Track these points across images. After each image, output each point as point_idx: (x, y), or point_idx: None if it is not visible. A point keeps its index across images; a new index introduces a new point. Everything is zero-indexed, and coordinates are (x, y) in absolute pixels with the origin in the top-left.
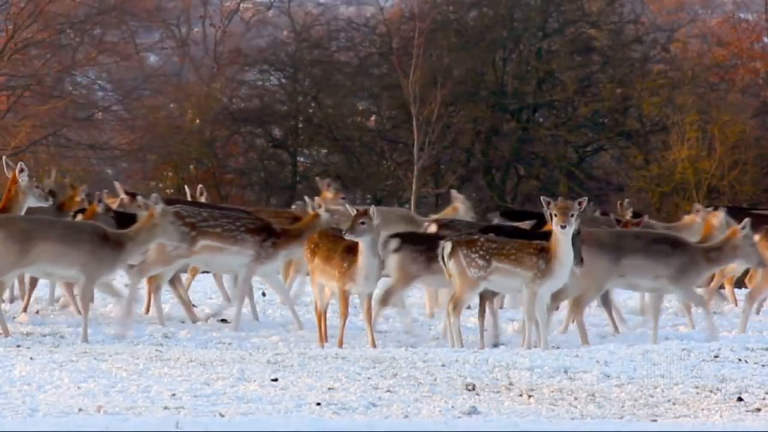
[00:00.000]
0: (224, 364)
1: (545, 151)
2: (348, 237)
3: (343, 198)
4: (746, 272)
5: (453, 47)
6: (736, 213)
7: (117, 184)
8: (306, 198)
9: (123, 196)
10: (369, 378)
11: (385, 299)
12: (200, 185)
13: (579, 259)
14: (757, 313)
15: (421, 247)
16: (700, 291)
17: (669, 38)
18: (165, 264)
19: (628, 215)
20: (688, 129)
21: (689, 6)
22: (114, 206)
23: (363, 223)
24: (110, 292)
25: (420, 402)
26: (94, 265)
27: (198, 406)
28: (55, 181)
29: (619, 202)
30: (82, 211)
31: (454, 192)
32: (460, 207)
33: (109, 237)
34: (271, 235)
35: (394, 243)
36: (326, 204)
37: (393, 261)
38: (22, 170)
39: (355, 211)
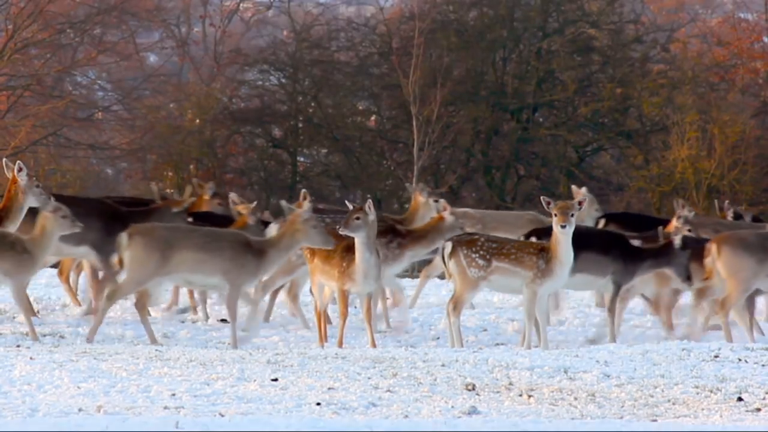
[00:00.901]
0: (224, 364)
1: (545, 151)
2: (342, 232)
3: (436, 201)
4: None
5: (453, 47)
6: None
7: (233, 196)
8: (432, 201)
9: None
10: (369, 378)
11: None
12: (304, 189)
13: (686, 276)
14: None
15: None
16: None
17: (669, 38)
18: (288, 273)
19: (729, 216)
20: (688, 129)
21: (689, 6)
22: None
23: (358, 218)
24: (246, 299)
25: (420, 402)
26: (236, 273)
27: (198, 406)
28: (195, 188)
29: (717, 202)
30: (196, 215)
31: (583, 191)
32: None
33: (251, 245)
34: (396, 236)
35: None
36: (421, 209)
37: None
38: (20, 170)
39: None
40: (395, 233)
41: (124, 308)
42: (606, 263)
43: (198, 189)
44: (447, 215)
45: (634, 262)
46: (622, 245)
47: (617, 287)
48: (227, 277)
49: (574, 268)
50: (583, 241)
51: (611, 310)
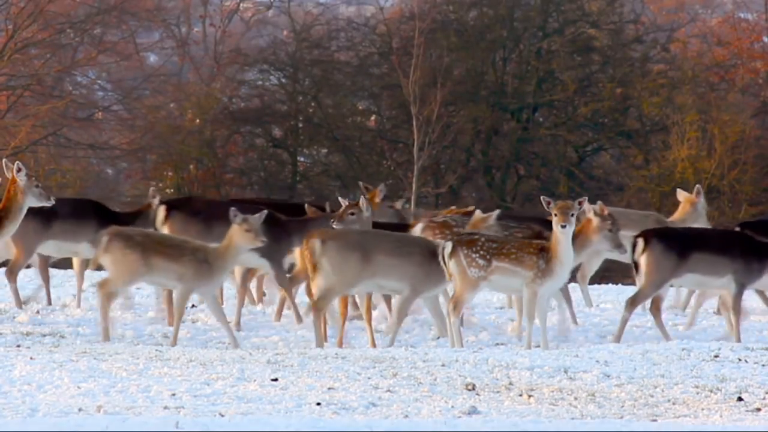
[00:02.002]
0: (224, 364)
1: (545, 151)
2: (335, 226)
3: (579, 203)
4: None
5: (453, 47)
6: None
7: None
8: (586, 203)
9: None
10: (369, 378)
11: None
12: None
13: None
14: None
15: None
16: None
17: (669, 38)
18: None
19: None
20: (688, 129)
21: (689, 6)
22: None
23: (352, 213)
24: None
25: (420, 402)
26: (421, 279)
27: (198, 406)
28: (363, 191)
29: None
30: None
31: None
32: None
33: (435, 249)
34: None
35: None
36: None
37: None
38: (19, 170)
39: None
40: (541, 239)
41: (124, 308)
42: (724, 263)
43: (365, 192)
44: (594, 218)
45: (761, 259)
46: (744, 244)
47: (740, 287)
48: (412, 283)
49: (684, 268)
50: (697, 241)
51: (735, 310)
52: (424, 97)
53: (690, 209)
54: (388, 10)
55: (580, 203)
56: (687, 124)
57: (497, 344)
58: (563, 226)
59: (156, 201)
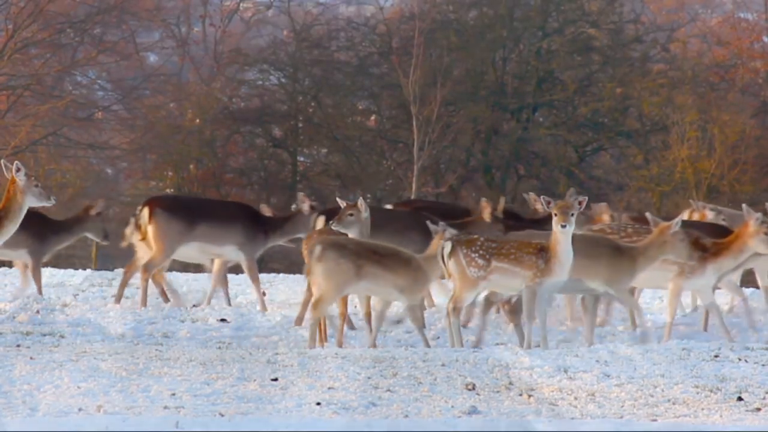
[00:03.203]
0: (224, 364)
1: (545, 151)
2: (335, 227)
3: (715, 210)
4: None
5: (453, 47)
6: None
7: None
8: (709, 211)
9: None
10: (369, 378)
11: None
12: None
13: None
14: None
15: None
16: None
17: (669, 38)
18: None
19: None
20: (688, 129)
21: (689, 6)
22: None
23: (351, 215)
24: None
25: (420, 401)
26: (616, 278)
27: (198, 405)
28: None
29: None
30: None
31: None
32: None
33: (623, 250)
34: (698, 248)
35: None
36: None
37: None
38: (19, 169)
39: None
40: (697, 246)
41: (124, 308)
42: None
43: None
44: (749, 220)
45: None
46: None
47: None
48: (607, 280)
49: None
50: None
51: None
52: (424, 97)
53: None
54: (388, 9)
55: (580, 203)
56: (687, 124)
57: (497, 344)
58: (563, 226)
59: (306, 206)
